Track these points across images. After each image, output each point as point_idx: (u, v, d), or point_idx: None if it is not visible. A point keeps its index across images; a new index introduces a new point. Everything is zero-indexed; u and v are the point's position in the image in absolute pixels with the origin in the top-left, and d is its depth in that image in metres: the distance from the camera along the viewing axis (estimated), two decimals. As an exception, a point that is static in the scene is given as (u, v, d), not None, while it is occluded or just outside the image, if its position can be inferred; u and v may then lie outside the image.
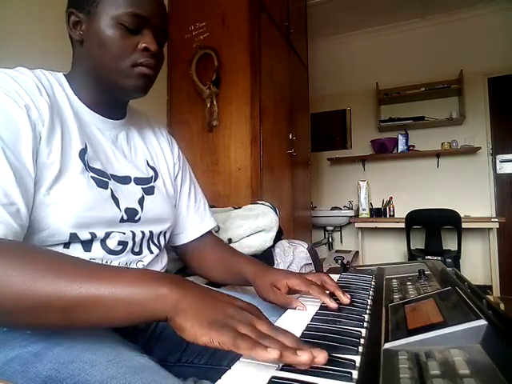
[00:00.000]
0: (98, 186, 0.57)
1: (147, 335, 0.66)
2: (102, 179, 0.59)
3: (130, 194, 0.64)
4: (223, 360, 0.62)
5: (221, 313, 0.37)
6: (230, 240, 1.29)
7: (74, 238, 0.54)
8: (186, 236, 0.81)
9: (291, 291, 0.60)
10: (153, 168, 0.72)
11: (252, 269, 0.68)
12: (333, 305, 0.52)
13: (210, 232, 0.84)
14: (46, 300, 0.37)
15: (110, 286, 0.38)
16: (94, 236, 0.56)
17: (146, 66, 0.59)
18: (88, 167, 0.57)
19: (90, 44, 0.59)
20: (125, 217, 0.61)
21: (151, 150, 0.74)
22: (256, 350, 0.32)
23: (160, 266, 0.72)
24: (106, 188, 0.59)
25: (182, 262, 0.90)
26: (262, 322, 0.37)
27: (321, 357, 0.33)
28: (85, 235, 0.55)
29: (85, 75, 0.62)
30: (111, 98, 0.64)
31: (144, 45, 0.58)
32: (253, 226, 1.33)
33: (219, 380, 0.33)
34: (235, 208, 1.47)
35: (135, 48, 0.58)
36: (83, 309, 0.38)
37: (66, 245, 0.54)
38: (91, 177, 0.57)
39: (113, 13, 0.56)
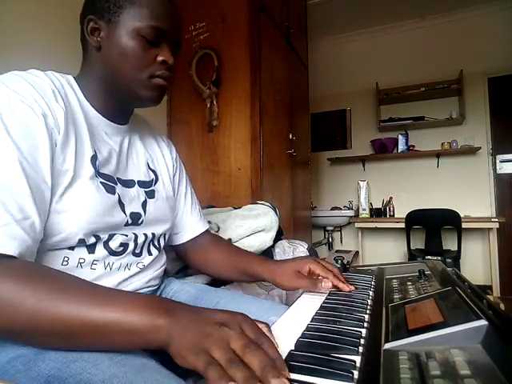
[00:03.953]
0: (107, 191, 0.58)
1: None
2: (110, 184, 0.60)
3: (134, 198, 0.65)
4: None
5: (201, 335, 0.38)
6: (229, 240, 1.29)
7: (81, 242, 0.55)
8: (185, 235, 0.82)
9: (310, 275, 0.67)
10: (153, 171, 0.74)
11: (267, 267, 0.73)
12: (348, 288, 0.62)
13: (208, 231, 0.86)
14: (50, 326, 0.39)
15: (112, 314, 0.40)
16: (98, 239, 0.57)
17: (162, 78, 0.62)
18: (98, 173, 0.58)
19: (109, 52, 0.60)
20: (129, 221, 0.63)
21: (152, 153, 0.76)
22: (220, 382, 0.32)
23: (158, 266, 0.73)
24: (114, 193, 0.60)
25: (182, 262, 0.91)
26: (238, 337, 0.37)
27: None
28: (91, 239, 0.56)
29: (99, 80, 0.62)
30: (122, 105, 0.65)
31: (162, 58, 0.60)
32: (253, 225, 1.33)
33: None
34: (235, 208, 1.47)
35: (154, 60, 0.60)
36: (85, 335, 0.40)
37: (71, 248, 0.55)
38: (101, 182, 0.58)
39: (135, 24, 0.57)
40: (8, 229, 0.43)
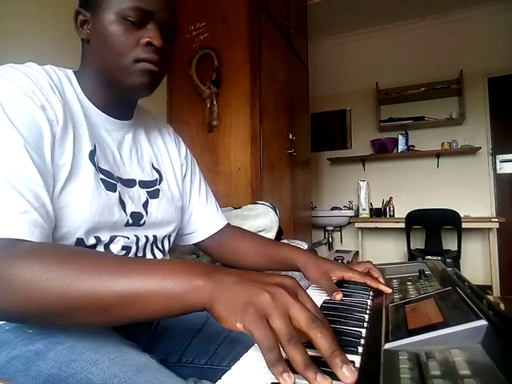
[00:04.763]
0: (107, 189, 0.56)
1: (148, 336, 0.66)
2: (110, 182, 0.58)
3: (135, 198, 0.63)
4: (223, 360, 0.62)
5: (256, 293, 0.34)
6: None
7: (79, 243, 0.53)
8: (201, 233, 0.80)
9: (340, 281, 0.66)
10: (157, 170, 0.71)
11: (303, 256, 0.72)
12: (388, 290, 0.59)
13: (228, 224, 0.84)
14: (84, 301, 0.37)
15: (147, 281, 0.37)
16: (98, 240, 0.55)
17: (148, 61, 0.56)
18: (98, 169, 0.56)
19: (96, 42, 0.58)
20: (130, 221, 0.60)
21: (156, 151, 0.73)
22: (276, 367, 0.31)
23: None
24: (115, 191, 0.58)
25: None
26: (300, 307, 0.34)
27: (350, 379, 0.30)
28: (90, 240, 0.54)
29: (92, 74, 0.60)
30: (118, 97, 0.62)
31: (147, 39, 0.55)
32: (253, 225, 1.33)
33: (219, 380, 0.33)
34: (235, 208, 1.47)
35: (138, 43, 0.56)
36: (121, 307, 0.37)
37: None
38: (101, 179, 0.56)
39: (116, 8, 0.55)
40: (28, 216, 0.42)
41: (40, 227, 0.43)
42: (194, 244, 0.83)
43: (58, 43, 1.29)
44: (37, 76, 0.52)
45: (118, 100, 0.63)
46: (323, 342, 0.32)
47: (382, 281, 0.63)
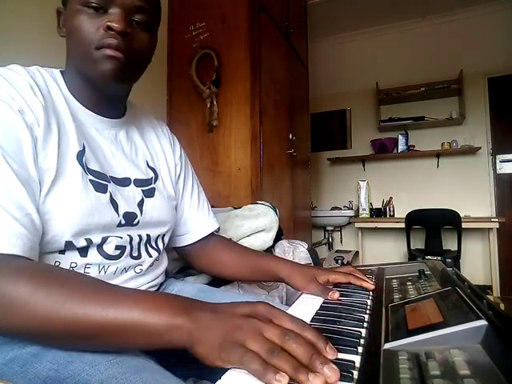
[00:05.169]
0: (97, 190, 0.55)
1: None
2: (101, 182, 0.56)
3: (129, 197, 0.61)
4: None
5: (229, 330, 0.36)
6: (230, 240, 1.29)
7: (69, 245, 0.52)
8: (190, 237, 0.80)
9: (327, 284, 0.67)
10: (152, 169, 0.70)
11: (286, 266, 0.72)
12: (371, 286, 0.62)
13: (214, 233, 0.83)
14: (68, 329, 0.39)
15: (129, 315, 0.39)
16: (90, 242, 0.54)
17: (108, 46, 0.52)
18: (87, 170, 0.55)
19: (67, 37, 0.57)
20: (123, 221, 0.59)
21: (151, 149, 0.72)
22: (266, 375, 0.31)
23: (160, 269, 0.71)
24: (105, 192, 0.57)
25: (185, 262, 0.89)
26: (272, 326, 0.36)
27: (334, 377, 0.31)
28: (80, 242, 0.53)
29: (73, 71, 0.59)
30: (98, 93, 0.60)
31: (107, 23, 0.52)
32: (253, 226, 1.33)
33: (219, 380, 0.33)
34: (235, 208, 1.47)
35: (98, 29, 0.53)
36: (105, 337, 0.39)
37: (62, 252, 0.53)
38: (90, 180, 0.55)
39: None
40: (9, 228, 0.42)
41: (23, 238, 0.43)
42: (178, 248, 0.82)
43: (58, 43, 1.29)
44: (16, 78, 0.51)
45: (100, 96, 0.60)
46: (299, 351, 0.33)
47: (365, 278, 0.65)
